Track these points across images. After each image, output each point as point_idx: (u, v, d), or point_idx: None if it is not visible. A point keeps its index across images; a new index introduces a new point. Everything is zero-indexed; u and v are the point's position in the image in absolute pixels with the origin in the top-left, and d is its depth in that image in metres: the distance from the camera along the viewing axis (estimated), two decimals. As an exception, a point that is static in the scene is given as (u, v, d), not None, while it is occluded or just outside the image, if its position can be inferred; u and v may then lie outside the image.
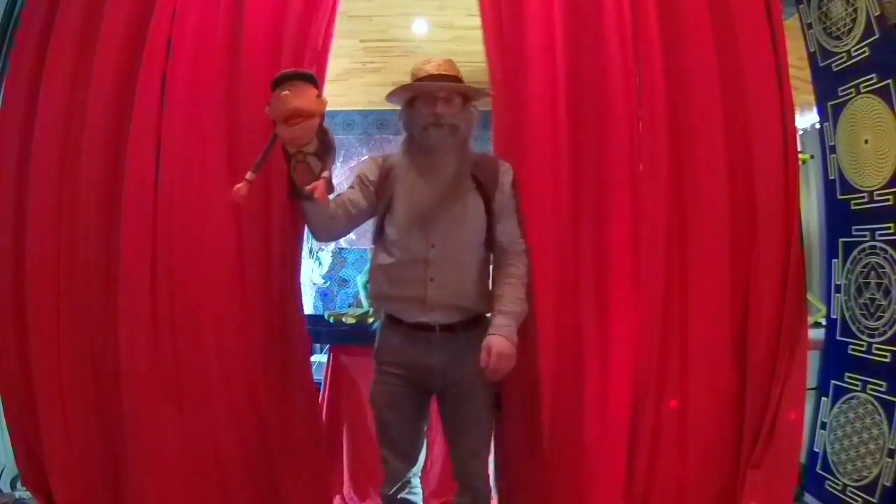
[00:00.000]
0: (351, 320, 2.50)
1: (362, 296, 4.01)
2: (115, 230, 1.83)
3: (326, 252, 4.70)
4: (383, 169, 1.61)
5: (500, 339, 1.46)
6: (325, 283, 4.77)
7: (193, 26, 1.88)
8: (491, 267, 1.62)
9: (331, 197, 1.56)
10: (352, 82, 4.13)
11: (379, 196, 1.60)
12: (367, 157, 1.69)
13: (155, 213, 1.83)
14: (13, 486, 2.05)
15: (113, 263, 1.83)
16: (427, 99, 1.51)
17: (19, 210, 1.94)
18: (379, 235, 1.59)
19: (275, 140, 1.49)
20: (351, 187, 1.64)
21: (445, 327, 1.52)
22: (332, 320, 2.46)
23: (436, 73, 1.52)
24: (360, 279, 4.05)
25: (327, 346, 2.55)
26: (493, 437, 1.68)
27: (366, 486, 2.16)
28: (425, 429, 1.65)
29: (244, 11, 1.87)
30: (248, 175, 1.46)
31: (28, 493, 1.97)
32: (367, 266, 4.00)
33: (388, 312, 1.59)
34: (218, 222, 1.85)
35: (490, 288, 1.59)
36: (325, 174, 1.48)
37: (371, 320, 2.47)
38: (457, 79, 1.55)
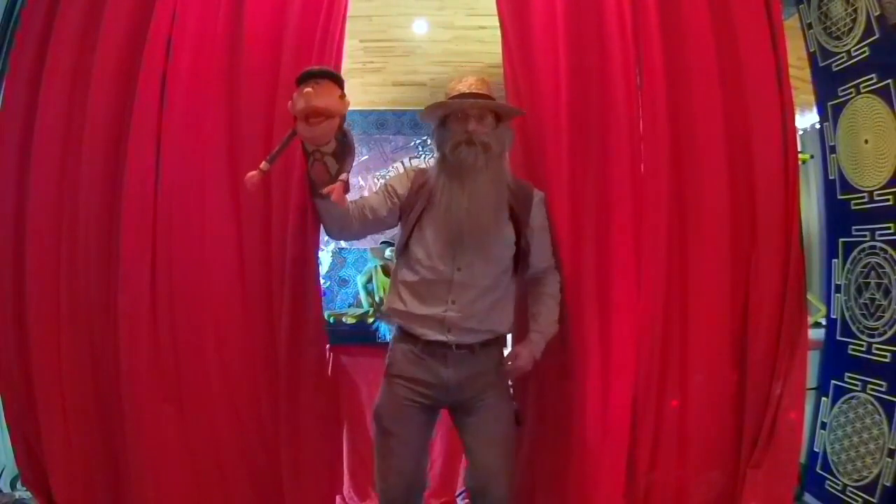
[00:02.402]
0: (351, 320, 2.50)
1: (362, 296, 4.01)
2: (115, 230, 1.83)
3: (326, 252, 4.70)
4: (415, 184, 1.58)
5: (526, 354, 1.57)
6: (325, 283, 4.77)
7: (193, 26, 1.88)
8: (516, 287, 1.62)
9: (348, 197, 1.53)
10: (352, 82, 4.11)
11: (405, 210, 1.57)
12: (401, 169, 1.67)
13: (155, 213, 1.83)
14: (13, 486, 2.05)
15: (113, 263, 1.84)
16: (459, 117, 1.51)
17: (19, 210, 1.94)
18: (403, 250, 1.56)
19: (293, 136, 1.47)
20: (375, 193, 1.62)
21: (463, 346, 1.49)
22: (332, 320, 2.46)
23: (468, 91, 1.52)
24: (360, 279, 4.05)
25: (327, 346, 2.55)
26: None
27: (366, 486, 2.16)
28: (429, 449, 1.59)
29: (244, 11, 1.88)
30: (263, 165, 1.43)
31: (28, 493, 1.97)
32: (367, 266, 4.03)
33: (403, 329, 1.55)
34: (218, 222, 1.85)
35: (511, 311, 1.59)
36: (342, 177, 1.45)
37: (371, 320, 2.47)
38: (489, 98, 1.53)
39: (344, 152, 1.49)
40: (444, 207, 1.49)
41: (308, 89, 1.38)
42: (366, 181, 4.69)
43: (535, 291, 1.64)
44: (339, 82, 1.46)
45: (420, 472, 1.54)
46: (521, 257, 1.56)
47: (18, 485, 2.03)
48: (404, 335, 1.55)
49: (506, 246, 1.53)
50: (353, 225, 1.57)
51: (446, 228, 1.48)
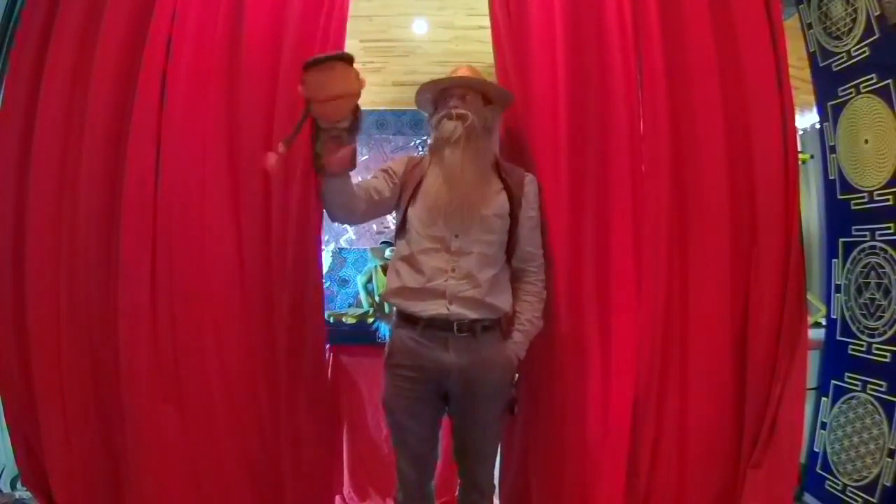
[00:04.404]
0: (351, 320, 2.50)
1: (362, 296, 4.01)
2: (115, 230, 1.83)
3: (326, 252, 4.70)
4: (409, 165, 1.69)
5: (510, 355, 1.60)
6: (325, 283, 4.75)
7: (193, 26, 1.88)
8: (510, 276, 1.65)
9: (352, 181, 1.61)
10: (352, 83, 4.13)
11: (402, 188, 1.65)
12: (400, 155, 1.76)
13: (155, 213, 1.83)
14: (13, 486, 2.05)
15: (113, 263, 1.83)
16: (445, 96, 1.64)
17: (19, 210, 1.94)
18: (401, 229, 1.62)
19: (308, 115, 1.51)
20: (376, 177, 1.68)
21: (464, 327, 1.51)
22: (332, 320, 2.46)
23: (455, 76, 1.66)
24: (360, 279, 4.04)
25: (327, 346, 2.55)
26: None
27: (366, 486, 2.16)
28: (440, 434, 1.63)
29: (244, 11, 1.87)
30: (280, 147, 1.47)
31: (28, 493, 1.97)
32: (367, 266, 4.03)
33: (403, 310, 1.56)
34: (218, 222, 1.85)
35: (510, 296, 1.62)
36: (352, 145, 1.53)
37: (371, 320, 2.47)
38: (475, 81, 1.65)
39: (357, 128, 1.55)
40: (434, 179, 1.58)
41: (333, 70, 1.43)
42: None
43: (516, 289, 1.65)
44: (352, 63, 1.51)
45: (435, 460, 1.63)
46: (511, 234, 1.61)
47: (18, 485, 2.03)
48: (403, 319, 1.56)
49: (500, 215, 1.58)
50: (360, 205, 1.61)
51: (437, 196, 1.55)
